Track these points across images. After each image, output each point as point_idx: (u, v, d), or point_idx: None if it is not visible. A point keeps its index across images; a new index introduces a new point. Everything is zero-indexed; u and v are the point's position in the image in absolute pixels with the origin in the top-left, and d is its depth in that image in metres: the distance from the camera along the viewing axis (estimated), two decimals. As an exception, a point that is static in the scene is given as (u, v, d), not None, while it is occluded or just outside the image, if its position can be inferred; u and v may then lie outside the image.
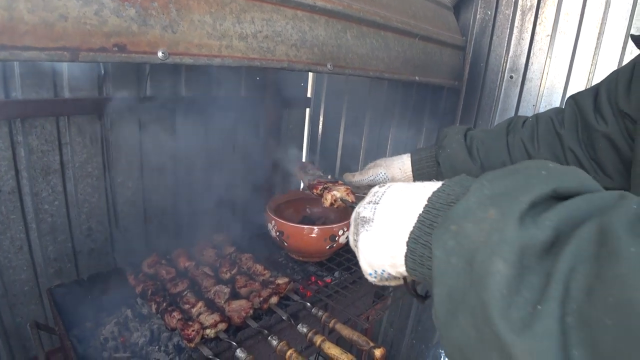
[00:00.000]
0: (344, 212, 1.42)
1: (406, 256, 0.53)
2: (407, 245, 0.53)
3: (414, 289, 0.67)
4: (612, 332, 0.32)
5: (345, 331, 1.15)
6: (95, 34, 0.65)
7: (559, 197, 0.42)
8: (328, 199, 1.12)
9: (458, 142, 1.14)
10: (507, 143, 1.09)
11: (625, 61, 1.46)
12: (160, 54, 0.71)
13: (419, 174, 1.21)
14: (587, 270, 0.35)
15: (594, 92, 0.97)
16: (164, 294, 1.25)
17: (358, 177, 1.26)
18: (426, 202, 0.53)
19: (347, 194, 1.12)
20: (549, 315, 0.35)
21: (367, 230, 0.60)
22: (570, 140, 0.99)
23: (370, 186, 1.24)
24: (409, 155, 1.24)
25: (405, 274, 0.56)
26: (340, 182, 1.23)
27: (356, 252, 0.64)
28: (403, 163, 1.23)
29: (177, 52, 0.73)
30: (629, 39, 1.46)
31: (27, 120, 1.33)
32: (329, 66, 0.98)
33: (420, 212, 0.52)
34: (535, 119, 1.09)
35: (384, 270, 0.58)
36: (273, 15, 0.86)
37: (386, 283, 0.63)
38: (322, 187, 1.19)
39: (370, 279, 0.61)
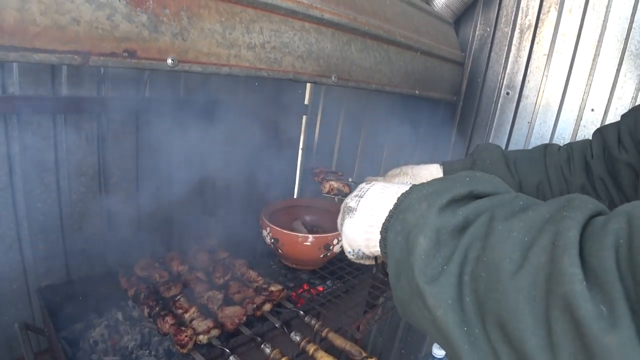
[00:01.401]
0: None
1: (380, 242, 0.65)
2: (381, 234, 0.65)
3: (383, 269, 0.76)
4: (484, 280, 0.46)
5: (338, 340, 1.15)
6: (107, 39, 0.65)
7: (476, 196, 0.56)
8: (326, 187, 1.28)
9: (498, 156, 1.20)
10: (545, 164, 1.16)
11: (620, 82, 1.50)
12: (169, 61, 0.71)
13: None
14: (479, 244, 0.49)
15: (617, 125, 1.05)
16: (156, 298, 1.24)
17: None
18: (396, 200, 0.65)
19: (343, 186, 1.28)
20: (451, 273, 0.49)
21: (350, 217, 0.72)
22: (599, 170, 1.06)
23: None
24: (438, 166, 1.29)
25: (378, 254, 0.69)
26: (340, 173, 1.39)
27: (341, 235, 0.76)
28: (431, 174, 1.29)
29: (187, 59, 0.73)
30: (624, 60, 1.51)
31: (24, 116, 1.31)
32: (333, 78, 0.99)
33: (391, 208, 0.65)
34: (569, 147, 1.16)
35: (359, 250, 0.72)
36: (281, 26, 0.87)
37: (361, 261, 0.77)
38: (322, 176, 1.33)
39: (350, 256, 0.75)
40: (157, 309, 1.20)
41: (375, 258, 0.75)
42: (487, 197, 0.56)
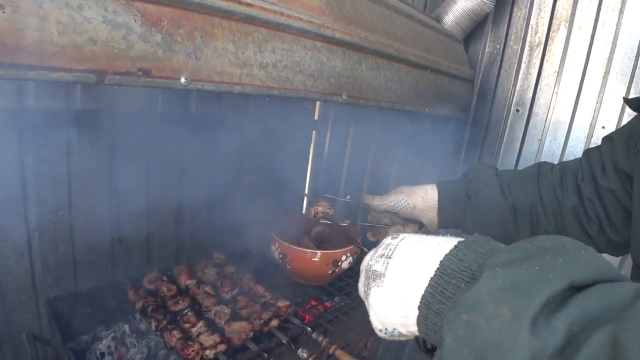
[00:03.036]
0: (347, 238, 1.43)
1: (418, 320, 0.52)
2: (419, 310, 0.52)
3: (424, 346, 0.65)
4: None
5: (345, 358, 1.14)
6: (122, 58, 0.66)
7: (575, 287, 0.41)
8: (312, 212, 1.42)
9: (490, 177, 1.16)
10: (539, 185, 1.12)
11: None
12: (183, 80, 0.72)
13: (446, 207, 1.21)
14: None
15: (600, 149, 1.04)
16: (164, 312, 1.24)
17: (378, 201, 1.26)
18: (438, 265, 0.52)
19: (329, 208, 1.42)
20: None
21: (378, 285, 0.57)
22: (588, 192, 1.04)
23: (387, 212, 1.28)
24: (434, 185, 1.24)
25: (417, 334, 0.55)
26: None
27: (366, 304, 0.62)
28: (426, 193, 1.23)
29: (200, 78, 0.74)
30: (634, 78, 1.50)
31: (38, 129, 1.34)
32: (344, 96, 1.00)
33: (432, 276, 0.52)
34: (562, 166, 1.13)
35: (394, 329, 0.57)
36: (293, 45, 0.88)
37: (396, 339, 0.61)
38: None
39: (380, 334, 0.60)
40: (165, 322, 1.20)
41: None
42: (589, 288, 0.41)
